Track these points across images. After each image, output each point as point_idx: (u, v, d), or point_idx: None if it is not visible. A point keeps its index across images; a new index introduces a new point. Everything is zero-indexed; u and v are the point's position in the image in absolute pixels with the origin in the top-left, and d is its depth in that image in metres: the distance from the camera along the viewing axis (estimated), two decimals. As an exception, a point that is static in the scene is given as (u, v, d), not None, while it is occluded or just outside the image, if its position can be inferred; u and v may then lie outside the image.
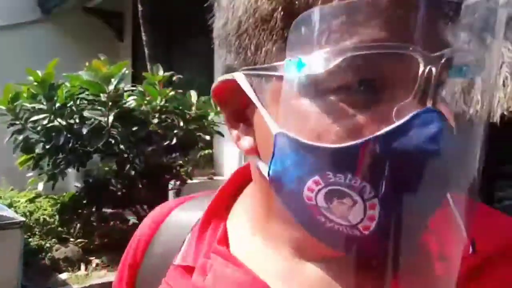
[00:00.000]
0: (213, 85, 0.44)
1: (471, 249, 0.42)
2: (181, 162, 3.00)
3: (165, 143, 2.71)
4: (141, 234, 0.58)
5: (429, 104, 0.34)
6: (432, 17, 0.34)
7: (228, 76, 0.42)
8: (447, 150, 0.33)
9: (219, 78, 0.44)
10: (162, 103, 2.80)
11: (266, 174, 0.40)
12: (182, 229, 0.55)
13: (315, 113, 0.36)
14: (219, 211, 0.53)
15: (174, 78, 3.02)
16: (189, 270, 0.50)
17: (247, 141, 0.44)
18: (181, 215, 0.57)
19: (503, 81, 4.16)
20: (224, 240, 0.50)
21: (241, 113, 0.44)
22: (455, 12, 0.34)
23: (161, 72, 2.90)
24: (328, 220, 0.37)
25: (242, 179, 0.54)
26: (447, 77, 0.36)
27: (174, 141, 2.69)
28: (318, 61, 0.34)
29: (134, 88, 3.00)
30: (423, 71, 0.33)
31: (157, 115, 2.79)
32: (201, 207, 0.54)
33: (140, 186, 2.84)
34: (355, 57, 0.33)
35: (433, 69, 0.33)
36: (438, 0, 0.33)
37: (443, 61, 0.33)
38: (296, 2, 0.35)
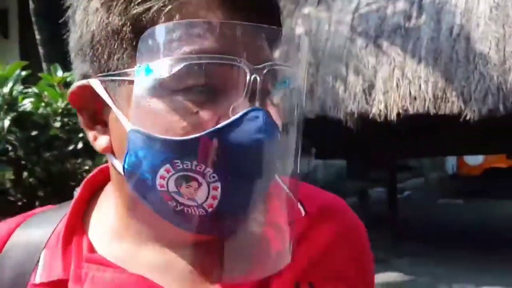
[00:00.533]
0: (69, 91, 0.49)
1: (303, 212, 0.56)
2: (87, 167, 2.83)
3: (70, 148, 2.53)
4: None
5: (256, 104, 0.43)
6: (256, 38, 0.43)
7: (84, 82, 0.47)
8: (270, 140, 0.42)
9: (74, 84, 0.48)
10: (64, 105, 2.61)
11: (121, 170, 0.46)
12: (33, 248, 0.53)
13: (163, 111, 0.42)
14: (78, 221, 0.54)
15: (68, 79, 2.83)
16: (56, 284, 0.50)
17: (103, 140, 0.49)
18: (28, 233, 0.55)
19: (396, 83, 4.53)
20: (92, 249, 0.52)
21: (97, 116, 0.49)
22: (274, 36, 0.45)
23: (60, 73, 2.70)
24: (178, 203, 0.43)
25: (95, 185, 0.57)
26: (273, 84, 0.46)
27: (80, 145, 2.52)
28: (163, 67, 0.41)
29: (28, 90, 2.76)
30: (249, 79, 0.42)
31: (59, 119, 2.59)
32: (48, 222, 0.55)
33: (42, 195, 2.62)
34: (193, 64, 0.41)
35: (258, 77, 0.43)
36: (261, 27, 0.43)
37: (265, 71, 0.43)
38: (143, 19, 0.43)
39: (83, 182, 0.57)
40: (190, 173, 0.42)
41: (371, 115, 4.50)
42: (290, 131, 0.47)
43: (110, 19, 0.44)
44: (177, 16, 0.42)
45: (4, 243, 0.54)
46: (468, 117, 4.16)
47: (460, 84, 4.25)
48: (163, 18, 0.42)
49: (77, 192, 0.56)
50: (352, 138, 5.03)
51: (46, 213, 0.58)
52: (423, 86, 4.37)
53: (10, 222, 0.58)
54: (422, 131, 5.08)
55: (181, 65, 0.41)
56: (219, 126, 0.42)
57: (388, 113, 4.47)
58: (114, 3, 0.44)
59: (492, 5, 4.30)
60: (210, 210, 0.43)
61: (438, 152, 7.35)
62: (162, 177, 0.43)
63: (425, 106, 4.36)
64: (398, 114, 4.43)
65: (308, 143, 5.63)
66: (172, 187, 0.43)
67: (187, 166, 0.42)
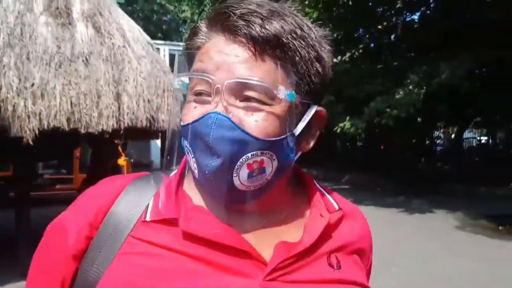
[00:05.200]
0: None
1: (337, 207, 0.76)
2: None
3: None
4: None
5: (219, 107, 0.63)
6: (229, 63, 0.63)
7: None
8: (216, 132, 0.62)
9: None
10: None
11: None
12: (142, 198, 0.72)
13: (184, 106, 0.68)
14: (181, 181, 0.75)
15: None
16: (167, 222, 0.68)
17: None
18: (139, 187, 0.74)
19: None
20: (191, 201, 0.71)
21: None
22: (247, 60, 0.63)
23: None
24: (190, 168, 0.68)
25: None
26: (237, 92, 0.63)
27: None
28: (183, 80, 0.69)
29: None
30: (215, 88, 0.63)
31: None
32: (154, 181, 0.74)
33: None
34: (191, 78, 0.67)
35: (220, 87, 0.63)
36: (225, 54, 0.64)
37: (225, 83, 0.62)
38: (188, 50, 0.69)
39: None
40: (186, 147, 0.66)
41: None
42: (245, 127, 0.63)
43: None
44: (202, 50, 0.66)
45: (119, 192, 0.72)
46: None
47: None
48: (197, 52, 0.67)
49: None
50: None
51: (151, 176, 0.75)
52: None
53: (127, 178, 0.75)
54: None
55: (187, 78, 0.67)
56: (192, 121, 0.64)
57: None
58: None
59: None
60: (196, 172, 0.66)
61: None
62: (185, 148, 0.67)
63: None
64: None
65: None
66: (188, 156, 0.67)
67: (185, 143, 0.66)
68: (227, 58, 0.63)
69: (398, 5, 12.76)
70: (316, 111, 0.70)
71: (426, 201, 10.84)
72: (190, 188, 0.73)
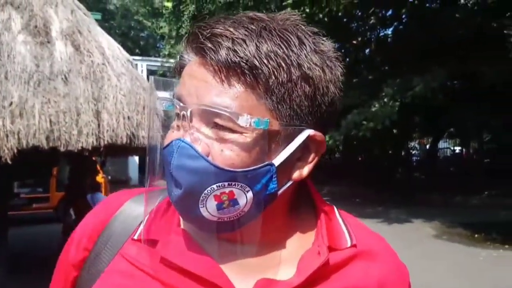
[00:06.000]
0: None
1: (349, 243, 0.67)
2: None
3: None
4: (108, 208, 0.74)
5: (181, 132, 0.59)
6: (192, 87, 0.59)
7: None
8: (177, 160, 0.58)
9: None
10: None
11: None
12: (137, 215, 0.71)
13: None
14: None
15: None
16: (150, 242, 0.66)
17: None
18: (136, 204, 0.73)
19: None
20: (179, 224, 0.69)
21: None
22: (215, 88, 0.58)
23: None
24: None
25: None
26: (204, 119, 0.59)
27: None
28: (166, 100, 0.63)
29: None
30: (180, 114, 0.60)
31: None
32: (151, 199, 0.71)
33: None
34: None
35: (186, 113, 0.59)
36: (205, 81, 0.59)
37: (189, 110, 0.59)
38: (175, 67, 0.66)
39: None
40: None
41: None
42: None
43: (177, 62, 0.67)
44: (183, 72, 0.63)
45: (118, 208, 0.72)
46: None
47: None
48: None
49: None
50: None
51: (155, 192, 0.71)
52: None
53: (132, 192, 0.75)
54: None
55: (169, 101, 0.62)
56: (164, 146, 0.60)
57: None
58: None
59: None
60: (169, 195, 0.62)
61: None
62: None
63: None
64: None
65: None
66: None
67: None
68: (197, 83, 0.59)
69: (372, 21, 13.10)
70: (308, 136, 0.62)
71: (403, 210, 11.08)
72: None
